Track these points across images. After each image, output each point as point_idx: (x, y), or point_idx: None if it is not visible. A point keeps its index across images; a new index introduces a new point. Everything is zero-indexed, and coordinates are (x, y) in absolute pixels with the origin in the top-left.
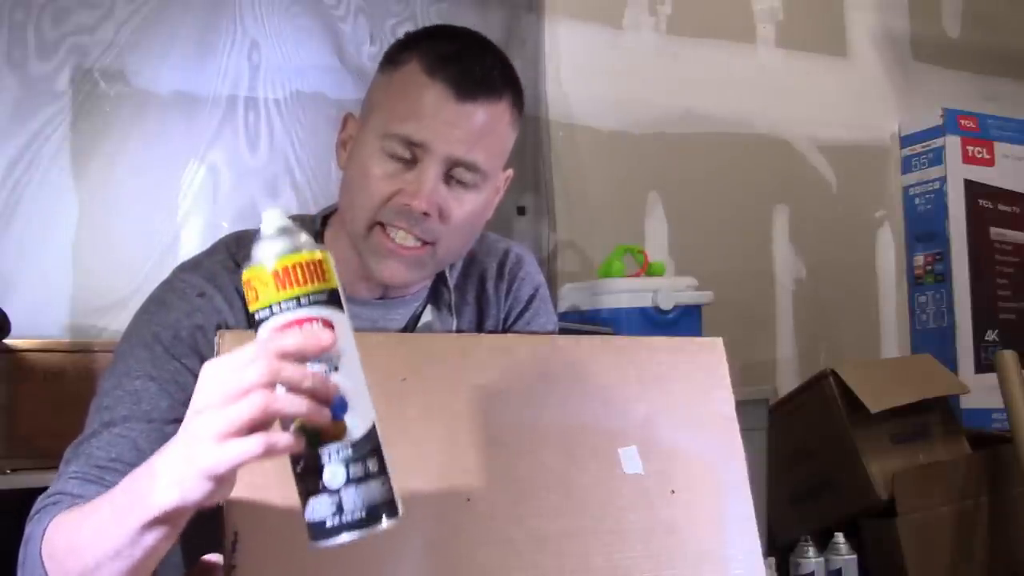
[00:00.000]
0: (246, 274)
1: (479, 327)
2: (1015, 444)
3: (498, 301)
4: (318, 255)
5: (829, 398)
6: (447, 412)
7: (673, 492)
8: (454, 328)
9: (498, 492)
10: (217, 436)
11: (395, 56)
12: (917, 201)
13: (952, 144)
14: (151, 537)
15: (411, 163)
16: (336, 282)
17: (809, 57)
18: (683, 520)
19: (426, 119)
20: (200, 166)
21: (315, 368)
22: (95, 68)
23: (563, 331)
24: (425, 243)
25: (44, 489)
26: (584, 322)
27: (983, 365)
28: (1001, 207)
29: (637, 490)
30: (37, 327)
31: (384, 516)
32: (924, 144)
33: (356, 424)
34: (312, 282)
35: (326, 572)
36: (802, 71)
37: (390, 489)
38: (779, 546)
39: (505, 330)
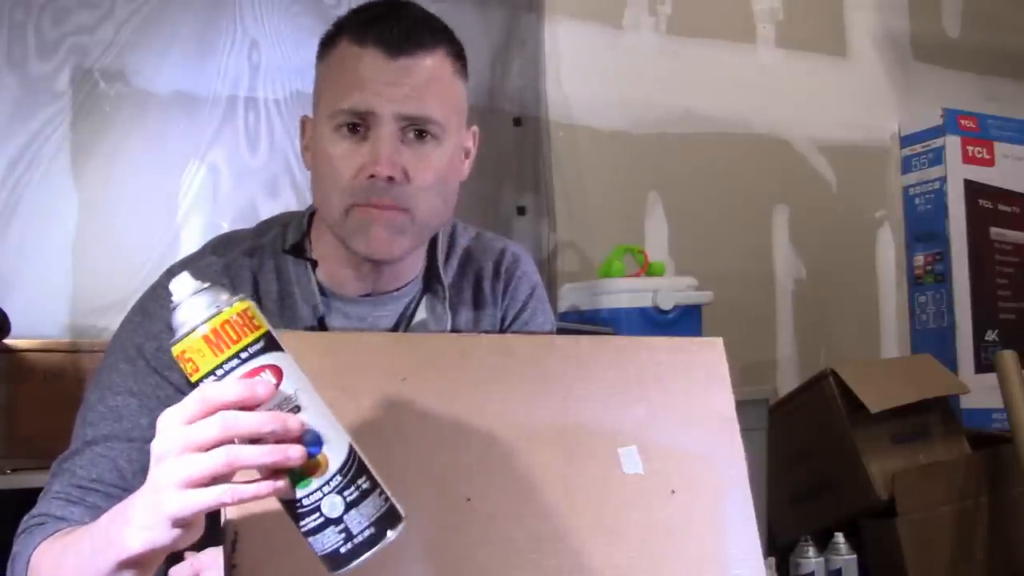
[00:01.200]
0: (176, 348)
1: (475, 326)
2: (1015, 444)
3: (495, 300)
4: (241, 305)
5: (829, 398)
6: (447, 412)
7: (673, 492)
8: (449, 326)
9: (498, 492)
10: (180, 484)
11: (326, 42)
12: (917, 201)
13: (952, 144)
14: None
15: (365, 135)
16: (266, 324)
17: (809, 57)
18: (683, 520)
19: (367, 85)
20: (200, 166)
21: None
22: (95, 68)
23: (563, 331)
24: (399, 209)
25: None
26: (584, 322)
27: (983, 365)
28: (1001, 207)
29: (637, 490)
30: (37, 327)
31: (391, 525)
32: (924, 144)
33: (335, 453)
34: (245, 334)
35: (326, 572)
36: (802, 71)
37: (387, 497)
38: (779, 546)
39: (503, 330)
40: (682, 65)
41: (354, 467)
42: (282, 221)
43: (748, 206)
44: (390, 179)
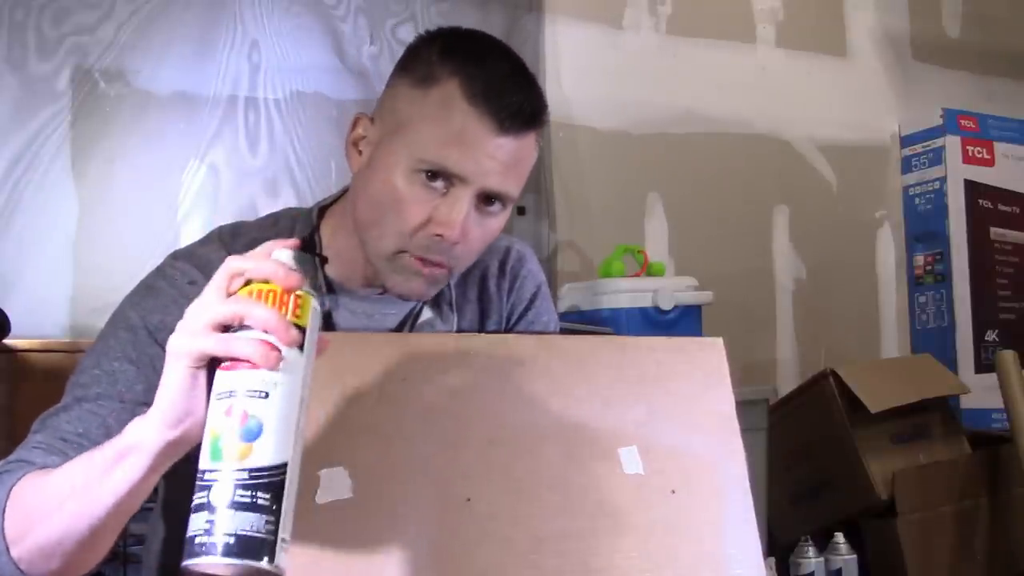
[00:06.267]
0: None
1: (481, 325)
2: (1015, 444)
3: (500, 299)
4: (308, 296)
5: (829, 398)
6: (447, 412)
7: (673, 492)
8: (455, 326)
9: (498, 492)
10: (198, 327)
11: (432, 71)
12: (917, 201)
13: (952, 144)
14: (119, 474)
15: (444, 190)
16: (307, 322)
17: (809, 57)
18: (683, 520)
19: (467, 150)
20: (200, 166)
21: (252, 386)
22: (95, 68)
23: (563, 331)
24: (445, 267)
25: None
26: (584, 322)
27: (983, 365)
28: (1001, 207)
29: (637, 490)
30: (37, 327)
31: (255, 554)
32: (924, 144)
33: (264, 453)
34: (296, 315)
35: (325, 573)
36: (802, 71)
37: (273, 533)
38: (779, 546)
39: (508, 328)
40: (682, 65)
41: (267, 479)
42: (289, 215)
43: (748, 206)
44: (454, 244)
